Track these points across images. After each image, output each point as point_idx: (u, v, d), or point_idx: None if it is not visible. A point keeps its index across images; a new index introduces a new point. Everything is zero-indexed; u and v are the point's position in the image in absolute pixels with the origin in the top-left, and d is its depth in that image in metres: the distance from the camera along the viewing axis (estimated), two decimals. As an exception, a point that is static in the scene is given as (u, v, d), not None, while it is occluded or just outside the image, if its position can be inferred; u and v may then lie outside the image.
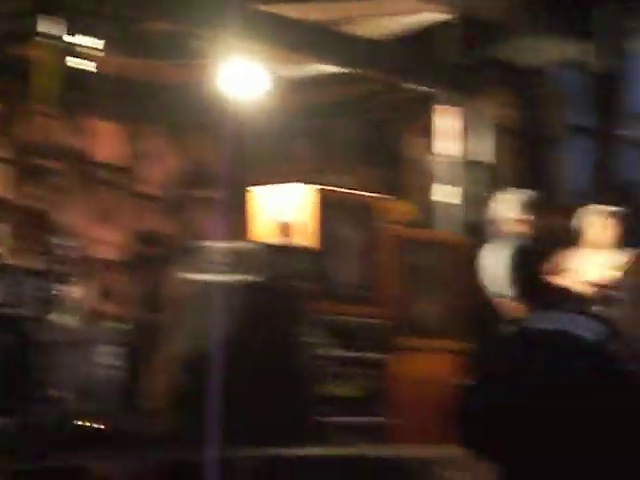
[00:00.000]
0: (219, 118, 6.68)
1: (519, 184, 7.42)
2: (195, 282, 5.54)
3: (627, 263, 6.09)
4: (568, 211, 7.59)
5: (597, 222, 6.12)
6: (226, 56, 6.90)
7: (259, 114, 7.29)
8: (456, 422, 1.47)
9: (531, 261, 5.91)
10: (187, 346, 5.42)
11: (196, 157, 8.56)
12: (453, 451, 3.55)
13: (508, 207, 6.02)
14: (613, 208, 6.23)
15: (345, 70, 7.46)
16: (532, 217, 6.00)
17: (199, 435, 4.11)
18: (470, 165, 7.59)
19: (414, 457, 4.27)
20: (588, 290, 5.92)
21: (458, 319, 6.37)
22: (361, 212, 6.29)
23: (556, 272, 6.12)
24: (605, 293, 6.04)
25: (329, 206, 6.12)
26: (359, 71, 7.42)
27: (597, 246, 6.14)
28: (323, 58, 7.23)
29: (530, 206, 5.98)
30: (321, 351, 5.80)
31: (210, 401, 4.69)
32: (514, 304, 5.81)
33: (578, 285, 5.98)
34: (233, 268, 5.31)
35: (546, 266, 6.16)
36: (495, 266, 5.94)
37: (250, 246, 5.41)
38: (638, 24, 8.13)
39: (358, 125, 8.98)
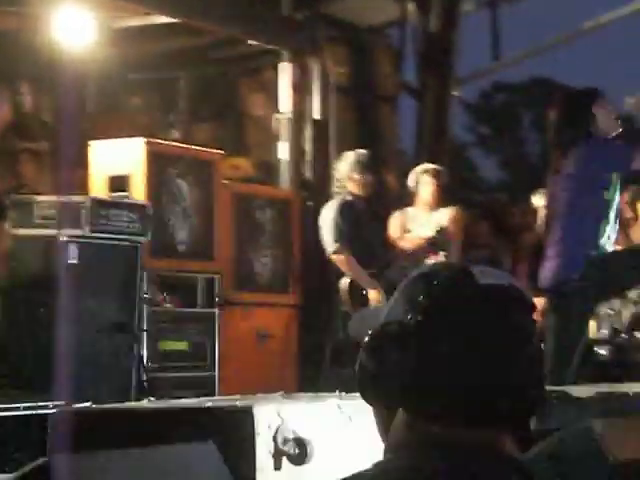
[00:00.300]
0: (51, 68, 6.52)
1: (354, 142, 7.58)
2: (23, 236, 5.43)
3: (452, 219, 6.36)
4: (401, 170, 7.83)
5: (427, 181, 6.32)
6: (56, 5, 6.72)
7: (92, 65, 7.15)
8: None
9: (357, 216, 6.06)
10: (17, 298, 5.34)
11: (28, 108, 8.32)
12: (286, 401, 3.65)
13: (344, 166, 6.15)
14: (439, 167, 6.45)
15: (181, 21, 7.39)
16: (365, 176, 6.14)
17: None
18: (307, 122, 7.67)
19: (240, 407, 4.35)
20: (422, 247, 6.13)
21: (292, 274, 6.49)
22: (197, 168, 6.28)
23: (393, 230, 6.31)
24: (434, 249, 6.27)
25: (163, 161, 6.08)
26: (195, 22, 7.36)
27: (427, 204, 6.35)
28: (156, 8, 7.13)
29: (364, 165, 6.11)
30: (155, 306, 5.80)
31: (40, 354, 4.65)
32: (342, 258, 5.97)
33: (413, 242, 6.19)
34: (62, 222, 5.24)
35: (382, 225, 6.34)
36: (328, 222, 6.09)
37: (79, 200, 5.34)
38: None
39: (197, 79, 8.92)
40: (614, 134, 4.68)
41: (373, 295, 5.88)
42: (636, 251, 4.78)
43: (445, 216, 6.38)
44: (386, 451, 1.44)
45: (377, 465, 1.41)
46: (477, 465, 1.35)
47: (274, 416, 2.95)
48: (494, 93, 35.25)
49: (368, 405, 1.47)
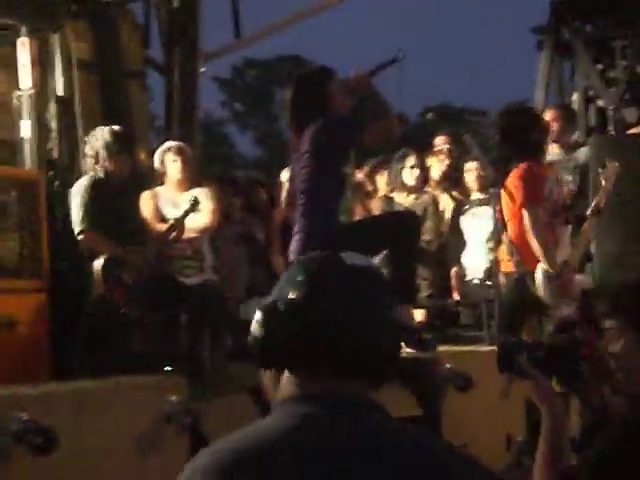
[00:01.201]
0: None
1: (102, 119, 7.38)
2: None
3: (206, 197, 6.33)
4: (148, 148, 7.72)
5: (171, 159, 6.26)
6: None
7: None
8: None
9: (109, 195, 5.92)
10: None
11: None
12: (27, 391, 3.53)
13: (94, 142, 5.98)
14: (182, 144, 6.40)
15: None
16: (117, 153, 5.96)
17: None
18: (50, 100, 7.40)
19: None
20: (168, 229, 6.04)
21: (36, 258, 6.24)
22: None
23: (145, 211, 6.20)
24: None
25: None
26: None
27: (176, 183, 6.28)
28: None
29: (115, 141, 5.95)
30: None
31: None
32: (91, 237, 5.79)
33: (161, 225, 6.11)
34: None
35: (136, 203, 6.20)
36: (77, 201, 5.91)
37: None
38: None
39: None
40: (347, 111, 4.82)
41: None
42: (376, 221, 4.96)
43: (197, 195, 6.35)
44: (273, 407, 1.73)
45: (259, 422, 1.71)
46: (342, 411, 1.66)
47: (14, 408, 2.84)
48: (246, 69, 35.63)
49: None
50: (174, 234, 5.89)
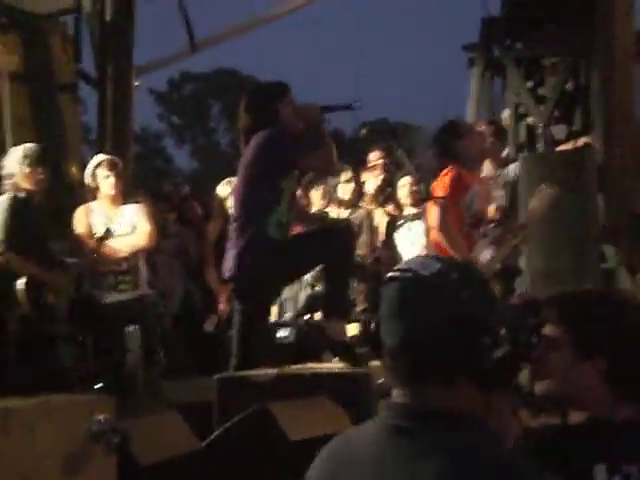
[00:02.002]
0: None
1: (31, 132, 7.29)
2: None
3: (139, 213, 6.28)
4: (81, 161, 7.64)
5: (104, 174, 6.19)
6: None
7: None
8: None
9: (29, 213, 5.82)
10: None
11: None
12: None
13: (11, 161, 5.86)
14: (114, 158, 6.33)
15: None
16: (37, 169, 5.85)
17: None
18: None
19: None
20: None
21: None
22: None
23: (78, 227, 6.12)
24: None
25: None
26: None
27: (109, 198, 6.21)
28: None
29: (34, 158, 5.84)
30: None
31: None
32: (10, 258, 5.65)
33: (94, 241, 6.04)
34: None
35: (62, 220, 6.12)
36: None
37: None
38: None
39: None
40: (296, 130, 4.80)
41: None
42: (311, 236, 4.95)
43: (132, 210, 6.29)
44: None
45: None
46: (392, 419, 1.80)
47: None
48: (182, 83, 35.46)
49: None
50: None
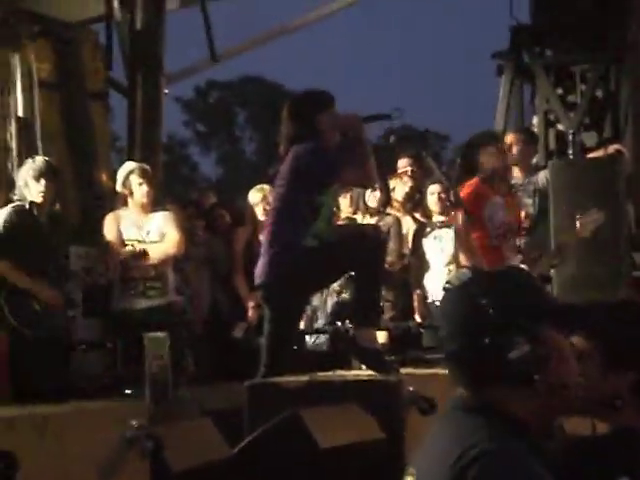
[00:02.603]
0: None
1: (62, 140, 7.35)
2: None
3: (168, 221, 6.32)
4: (110, 169, 7.70)
5: (137, 181, 6.22)
6: None
7: None
8: None
9: (32, 223, 5.82)
10: None
11: None
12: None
13: (23, 172, 5.87)
14: (146, 166, 6.38)
15: None
16: (44, 183, 5.82)
17: None
18: (11, 120, 7.35)
19: None
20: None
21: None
22: None
23: (108, 233, 6.16)
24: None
25: None
26: None
27: (141, 206, 6.25)
28: None
29: (42, 172, 5.82)
30: None
31: None
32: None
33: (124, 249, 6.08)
34: None
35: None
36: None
37: None
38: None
39: None
40: (337, 142, 4.79)
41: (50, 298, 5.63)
42: (342, 243, 4.93)
43: (160, 218, 6.33)
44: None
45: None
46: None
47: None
48: (208, 90, 35.62)
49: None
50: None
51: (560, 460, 2.12)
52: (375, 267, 4.71)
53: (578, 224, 5.81)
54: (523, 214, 6.86)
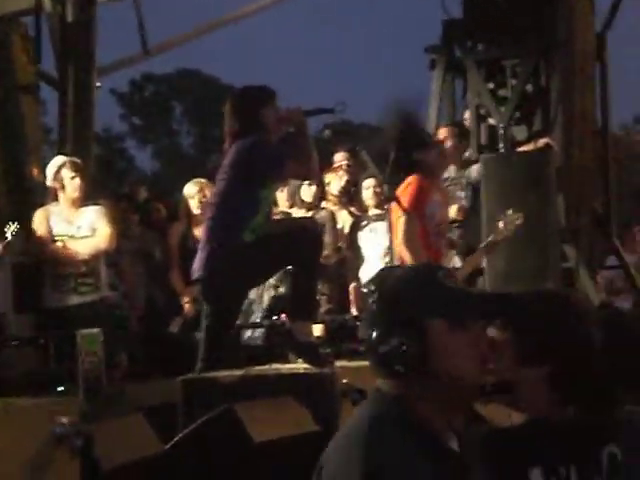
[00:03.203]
0: None
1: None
2: None
3: (100, 215, 6.25)
4: (41, 162, 7.57)
5: (68, 175, 6.15)
6: None
7: None
8: None
9: None
10: None
11: None
12: None
13: None
14: (76, 159, 6.30)
15: None
16: None
17: None
18: None
19: None
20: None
21: None
22: None
23: (37, 228, 6.07)
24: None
25: None
26: None
27: (72, 200, 6.17)
28: None
29: None
30: None
31: None
32: None
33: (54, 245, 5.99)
34: None
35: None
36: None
37: None
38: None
39: None
40: (279, 136, 4.77)
41: None
42: (279, 237, 4.92)
43: (92, 213, 6.26)
44: None
45: None
46: None
47: None
48: (144, 84, 35.25)
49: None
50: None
51: (476, 451, 2.14)
52: (312, 261, 4.72)
53: (500, 225, 5.90)
54: (456, 207, 6.93)
